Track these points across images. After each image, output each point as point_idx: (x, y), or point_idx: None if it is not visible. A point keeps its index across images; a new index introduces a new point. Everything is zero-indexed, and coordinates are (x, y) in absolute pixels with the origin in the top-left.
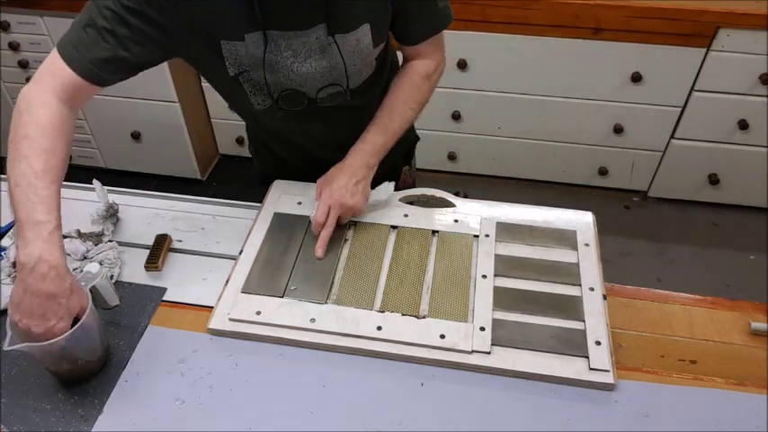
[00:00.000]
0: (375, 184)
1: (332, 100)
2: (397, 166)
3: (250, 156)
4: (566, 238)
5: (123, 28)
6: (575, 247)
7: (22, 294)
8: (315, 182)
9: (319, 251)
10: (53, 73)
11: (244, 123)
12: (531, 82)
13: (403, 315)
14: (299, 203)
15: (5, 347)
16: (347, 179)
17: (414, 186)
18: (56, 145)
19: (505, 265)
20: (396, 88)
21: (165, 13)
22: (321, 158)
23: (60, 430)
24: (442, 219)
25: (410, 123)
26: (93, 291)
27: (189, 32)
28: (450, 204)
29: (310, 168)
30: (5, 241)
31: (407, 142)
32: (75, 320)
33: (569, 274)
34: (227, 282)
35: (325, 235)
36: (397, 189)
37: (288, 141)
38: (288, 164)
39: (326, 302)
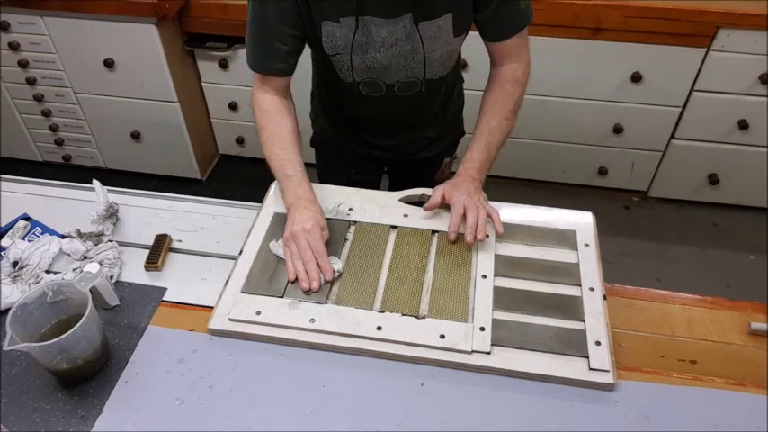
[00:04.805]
0: (421, 167)
1: (407, 89)
2: (440, 155)
3: (250, 156)
4: (566, 239)
5: (281, 24)
6: (575, 248)
7: (289, 228)
8: (358, 156)
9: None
10: (260, 86)
11: (243, 123)
12: (531, 82)
13: (403, 315)
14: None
15: (5, 347)
16: (468, 184)
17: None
18: (280, 123)
19: (505, 266)
20: (490, 100)
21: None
22: (376, 131)
23: (60, 430)
24: (441, 219)
25: (509, 132)
26: (93, 291)
27: (305, 11)
28: None
29: (360, 141)
30: (5, 241)
31: (453, 136)
32: (75, 320)
33: (569, 274)
34: (226, 282)
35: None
36: (434, 179)
37: (354, 111)
38: (343, 132)
39: (326, 302)
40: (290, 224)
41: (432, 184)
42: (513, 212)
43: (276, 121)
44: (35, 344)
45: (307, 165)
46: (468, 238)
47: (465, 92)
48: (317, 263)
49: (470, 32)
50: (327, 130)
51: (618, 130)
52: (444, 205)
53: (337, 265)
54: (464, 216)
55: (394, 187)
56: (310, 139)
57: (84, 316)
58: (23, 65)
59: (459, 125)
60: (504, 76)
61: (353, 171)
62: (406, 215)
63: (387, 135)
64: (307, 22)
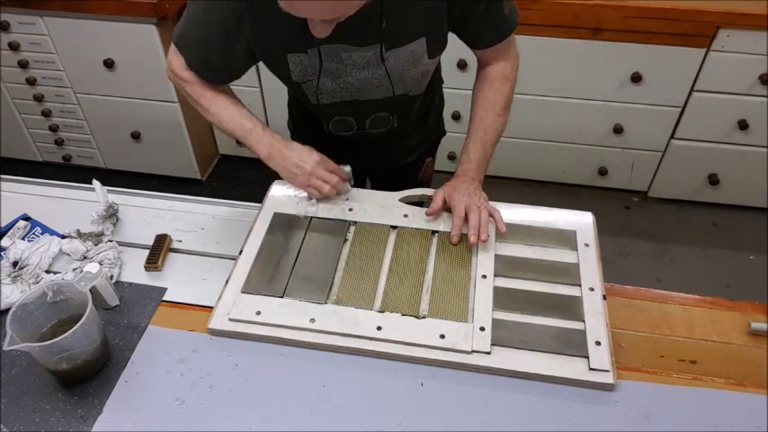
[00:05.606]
0: (403, 170)
1: (379, 126)
2: (422, 156)
3: (250, 156)
4: (566, 239)
5: (224, 57)
6: (574, 248)
7: (301, 172)
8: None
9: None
10: (185, 66)
11: None
12: (530, 82)
13: (403, 315)
14: (299, 204)
15: (5, 347)
16: (468, 185)
17: (432, 178)
18: (216, 88)
19: (505, 266)
20: (481, 99)
21: (248, 32)
22: (355, 146)
23: (60, 430)
24: (442, 219)
25: (503, 128)
26: (93, 291)
27: (265, 45)
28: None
29: (340, 153)
30: (5, 241)
31: (434, 136)
32: (75, 320)
33: (569, 274)
34: (227, 282)
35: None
36: (417, 179)
37: (327, 130)
38: (321, 144)
39: (326, 302)
40: (297, 168)
41: (415, 184)
42: (513, 212)
43: (211, 87)
44: (35, 344)
45: None
46: (472, 238)
47: (462, 92)
48: (338, 175)
49: None
50: (307, 140)
51: (618, 130)
52: (445, 207)
53: (347, 168)
54: (466, 218)
55: (378, 189)
56: None
57: (84, 316)
58: (23, 65)
59: (441, 127)
60: (492, 74)
61: None
62: (406, 215)
63: (366, 149)
64: (264, 57)
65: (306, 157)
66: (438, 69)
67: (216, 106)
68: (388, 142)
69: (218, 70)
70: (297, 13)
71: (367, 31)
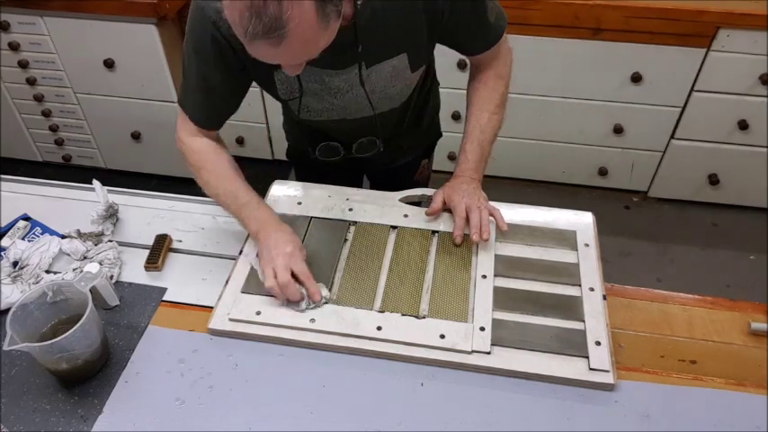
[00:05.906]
0: (399, 171)
1: (365, 151)
2: (418, 158)
3: (249, 156)
4: (566, 239)
5: (226, 83)
6: (575, 248)
7: (267, 255)
8: (327, 171)
9: (458, 239)
10: (189, 130)
11: (243, 123)
12: (530, 82)
13: (403, 315)
14: (299, 204)
15: (5, 347)
16: (467, 185)
17: (429, 179)
18: (217, 159)
19: (505, 266)
20: (475, 98)
21: (237, 54)
22: (343, 155)
23: (60, 430)
24: (442, 219)
25: (499, 126)
26: (93, 291)
27: (254, 64)
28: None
29: (330, 160)
30: (5, 241)
31: (430, 138)
32: (75, 320)
33: (569, 274)
34: (227, 282)
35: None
36: (413, 180)
37: (313, 156)
38: (316, 147)
39: (327, 302)
40: (266, 251)
41: (411, 185)
42: (513, 212)
43: (212, 159)
44: (35, 344)
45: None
46: (474, 237)
47: (462, 92)
48: (305, 286)
49: None
50: (301, 142)
51: (618, 130)
52: (445, 208)
53: (324, 291)
54: (466, 218)
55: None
56: (286, 151)
57: (84, 316)
58: (23, 65)
59: (436, 129)
60: (486, 74)
61: (333, 176)
62: (406, 215)
63: (360, 153)
64: (255, 72)
65: (278, 250)
66: (433, 72)
67: (215, 177)
68: (377, 161)
69: (219, 101)
70: (263, 59)
71: (344, 55)
